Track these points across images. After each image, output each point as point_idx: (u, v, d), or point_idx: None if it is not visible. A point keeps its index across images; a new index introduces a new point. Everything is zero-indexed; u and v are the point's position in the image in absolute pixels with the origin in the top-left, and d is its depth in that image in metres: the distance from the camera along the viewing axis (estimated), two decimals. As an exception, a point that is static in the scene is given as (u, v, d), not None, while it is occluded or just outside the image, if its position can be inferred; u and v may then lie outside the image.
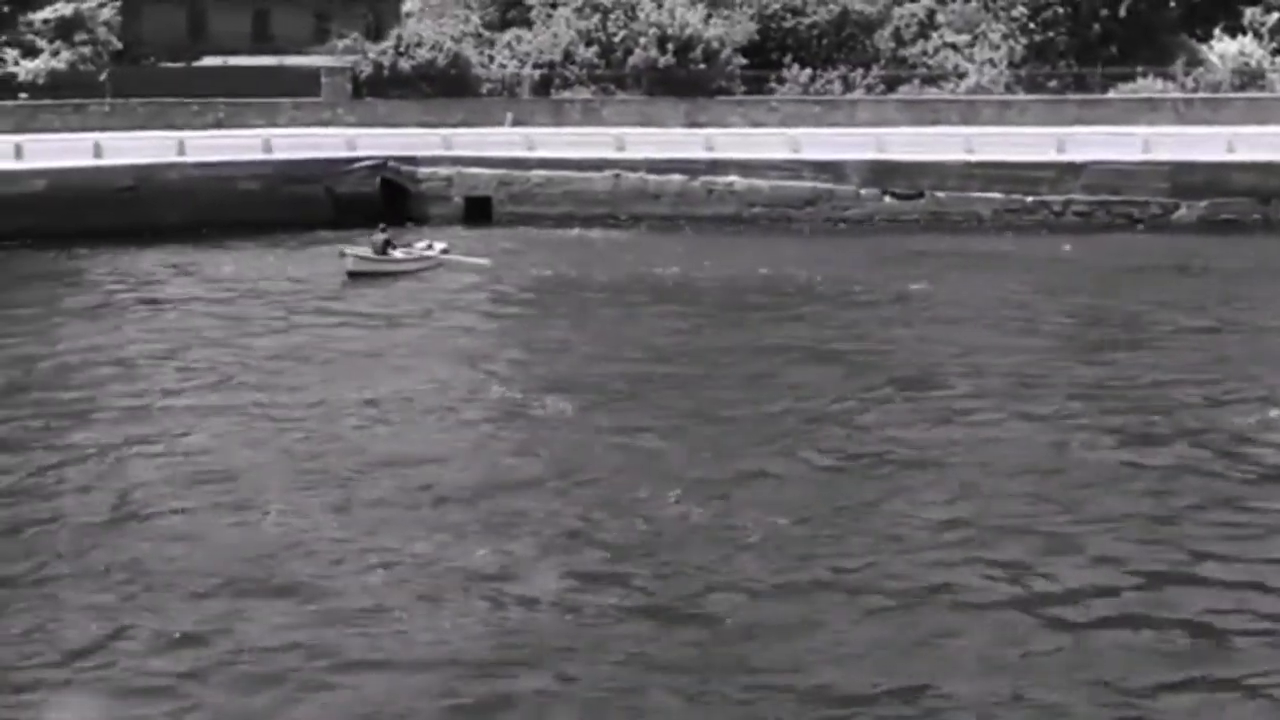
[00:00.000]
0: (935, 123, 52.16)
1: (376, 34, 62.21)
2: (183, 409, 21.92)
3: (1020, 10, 59.03)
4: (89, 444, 19.88)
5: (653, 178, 44.35)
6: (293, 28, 63.77)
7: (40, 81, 52.67)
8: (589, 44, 54.57)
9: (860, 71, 57.81)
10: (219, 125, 51.48)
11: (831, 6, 59.62)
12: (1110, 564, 14.95)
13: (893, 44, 60.10)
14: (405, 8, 66.22)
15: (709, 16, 55.78)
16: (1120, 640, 13.12)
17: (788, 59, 58.62)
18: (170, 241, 40.10)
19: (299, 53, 60.96)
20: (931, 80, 58.22)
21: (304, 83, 56.47)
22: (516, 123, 52.72)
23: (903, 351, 25.97)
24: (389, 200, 44.54)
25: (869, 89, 57.07)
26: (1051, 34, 58.65)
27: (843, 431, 20.30)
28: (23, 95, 52.72)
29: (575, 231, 42.42)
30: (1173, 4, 58.94)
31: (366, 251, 35.15)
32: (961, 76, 58.70)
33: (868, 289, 32.68)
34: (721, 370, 24.28)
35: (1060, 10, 58.54)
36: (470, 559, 15.19)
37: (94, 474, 18.55)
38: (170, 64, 59.84)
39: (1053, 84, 57.21)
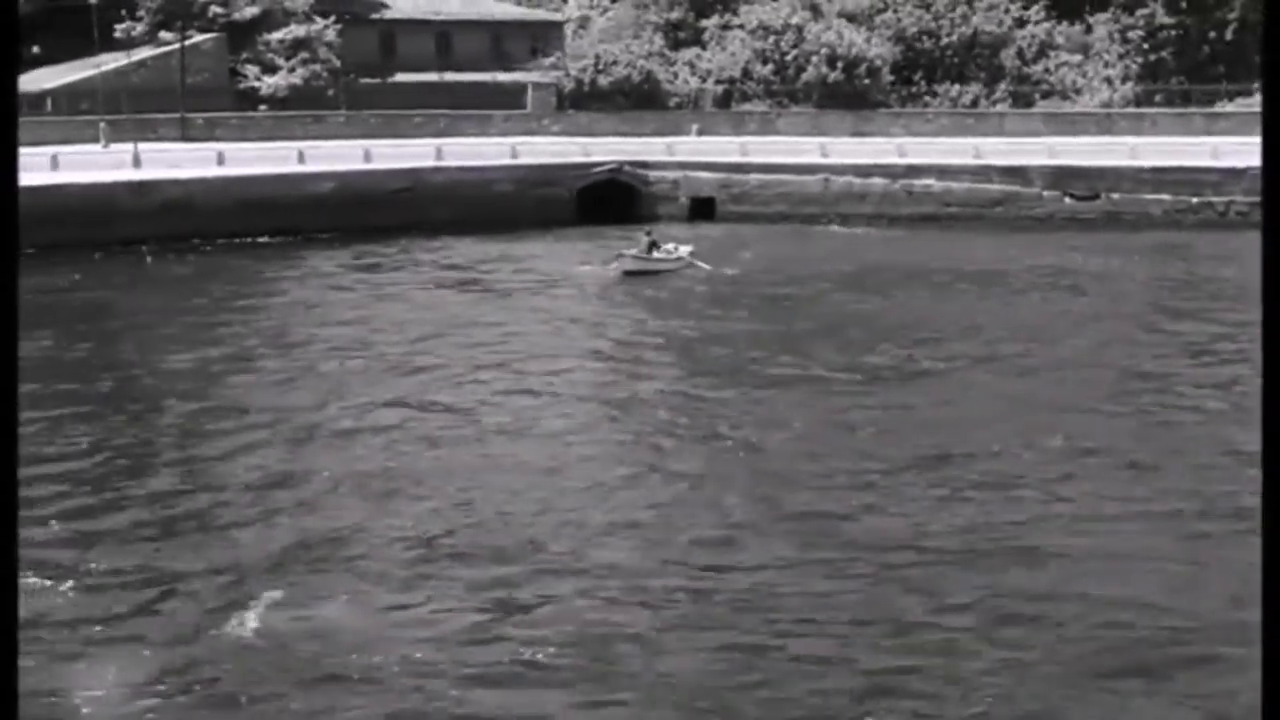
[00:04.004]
0: (1074, 133, 55.21)
1: (533, 53, 65.28)
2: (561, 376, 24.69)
3: (1136, 33, 62.10)
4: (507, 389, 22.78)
5: (858, 180, 47.28)
6: (471, 47, 66.70)
7: (279, 95, 55.53)
8: (764, 62, 57.53)
9: (995, 87, 60.93)
10: (439, 134, 54.37)
11: (963, 29, 62.66)
12: None
13: (1018, 62, 63.17)
14: (566, 28, 69.24)
15: (869, 37, 58.80)
16: None
17: (918, 75, 61.79)
18: (445, 235, 42.70)
19: (477, 69, 63.97)
20: (1055, 96, 61.30)
21: (483, 96, 59.53)
22: (701, 132, 55.70)
23: (1204, 321, 29.02)
24: (620, 200, 47.38)
25: (999, 102, 60.17)
26: (1164, 54, 61.79)
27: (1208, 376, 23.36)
28: (262, 107, 55.60)
29: (829, 227, 45.45)
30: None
31: (635, 252, 37.59)
32: (1078, 92, 61.84)
33: (1138, 276, 35.80)
34: (1057, 337, 27.29)
35: (1173, 33, 61.70)
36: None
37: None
38: (368, 79, 62.70)
39: (1158, 98, 60.33)
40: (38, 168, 40.89)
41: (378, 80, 62.85)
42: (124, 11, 56.05)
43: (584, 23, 69.87)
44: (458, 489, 17.53)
